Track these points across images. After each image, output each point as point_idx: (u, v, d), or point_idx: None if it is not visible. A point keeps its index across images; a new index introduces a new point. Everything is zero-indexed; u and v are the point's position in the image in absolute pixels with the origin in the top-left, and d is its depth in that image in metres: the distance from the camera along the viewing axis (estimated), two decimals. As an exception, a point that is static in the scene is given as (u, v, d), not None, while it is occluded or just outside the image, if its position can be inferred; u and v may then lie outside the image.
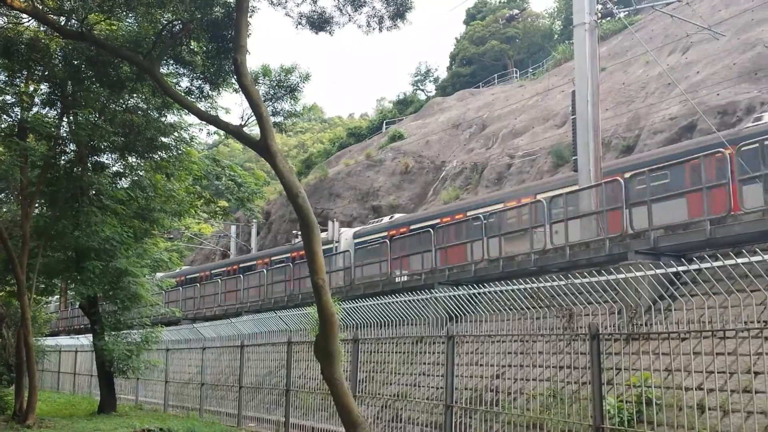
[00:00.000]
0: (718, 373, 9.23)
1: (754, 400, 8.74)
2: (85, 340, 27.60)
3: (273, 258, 36.32)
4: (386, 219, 33.43)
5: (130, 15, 13.10)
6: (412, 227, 27.36)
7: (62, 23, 12.83)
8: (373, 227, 31.88)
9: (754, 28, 30.77)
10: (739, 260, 8.42)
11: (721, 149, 13.57)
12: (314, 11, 12.47)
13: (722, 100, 27.51)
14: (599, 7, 18.90)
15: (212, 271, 42.41)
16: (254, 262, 38.43)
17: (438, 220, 26.73)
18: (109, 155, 17.79)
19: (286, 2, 12.29)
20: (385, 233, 28.88)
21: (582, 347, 10.75)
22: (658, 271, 10.68)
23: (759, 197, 11.60)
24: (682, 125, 28.17)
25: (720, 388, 9.17)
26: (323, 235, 27.05)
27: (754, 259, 8.40)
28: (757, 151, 11.90)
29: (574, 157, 19.22)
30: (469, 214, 24.02)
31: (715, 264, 8.81)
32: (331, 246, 30.47)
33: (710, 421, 8.74)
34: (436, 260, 18.32)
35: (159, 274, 37.61)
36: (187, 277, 43.14)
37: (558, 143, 34.49)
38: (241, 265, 39.32)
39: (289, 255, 34.25)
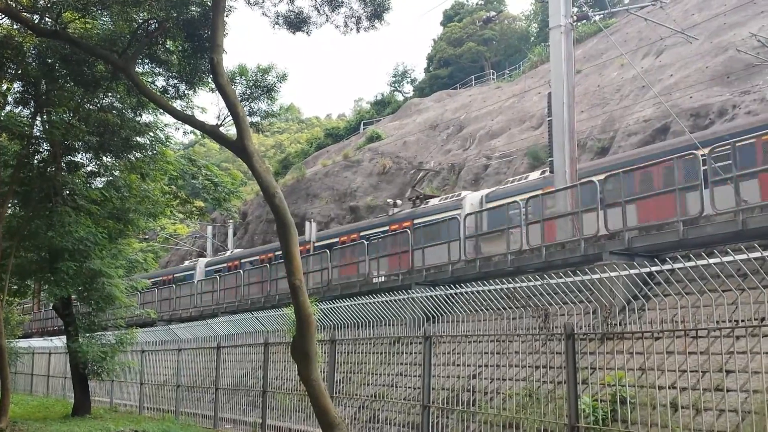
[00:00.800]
0: (690, 371, 9.38)
1: (726, 399, 8.90)
2: (59, 342, 27.23)
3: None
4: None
5: (105, 13, 12.94)
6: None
7: (36, 21, 12.64)
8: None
9: (727, 32, 31.31)
10: (711, 260, 8.57)
11: (693, 151, 13.81)
12: (291, 11, 12.42)
13: (695, 102, 27.94)
14: (575, 10, 19.11)
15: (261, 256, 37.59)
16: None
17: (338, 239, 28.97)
18: (84, 155, 17.56)
19: (263, 2, 12.22)
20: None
21: (557, 347, 10.86)
22: (632, 272, 10.83)
23: (731, 199, 11.82)
24: (655, 127, 28.57)
25: (692, 386, 9.32)
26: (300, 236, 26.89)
27: (725, 259, 8.55)
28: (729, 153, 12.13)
29: (550, 159, 19.41)
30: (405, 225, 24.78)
31: (688, 264, 8.95)
32: (309, 246, 30.42)
33: (683, 419, 8.88)
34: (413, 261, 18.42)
35: (203, 260, 40.67)
36: (242, 260, 38.65)
37: (534, 144, 34.77)
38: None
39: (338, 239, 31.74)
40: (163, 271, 46.73)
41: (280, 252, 28.24)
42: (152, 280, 41.06)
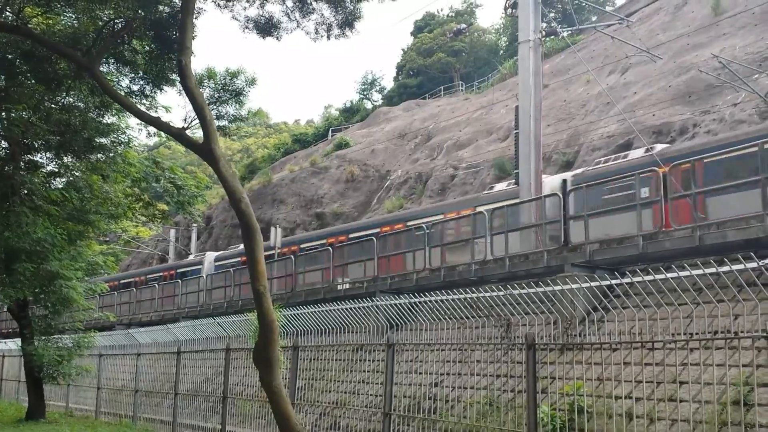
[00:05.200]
0: (646, 382, 9.55)
1: (679, 409, 9.09)
2: (13, 344, 26.53)
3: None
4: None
5: (69, 10, 12.72)
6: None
7: (-4, 15, 12.38)
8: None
9: (690, 53, 32.12)
10: (669, 275, 8.75)
11: (654, 168, 14.12)
12: (262, 16, 12.39)
13: (657, 120, 28.59)
14: (544, 25, 19.44)
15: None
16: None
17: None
18: (44, 154, 17.21)
19: (233, 5, 12.17)
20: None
21: (518, 356, 10.96)
22: (593, 284, 10.99)
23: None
24: (619, 143, 29.12)
25: (647, 396, 9.49)
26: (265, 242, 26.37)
27: (682, 274, 8.74)
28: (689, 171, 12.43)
29: (515, 171, 19.63)
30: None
31: (647, 278, 9.13)
32: (273, 252, 30.22)
33: (638, 428, 9.03)
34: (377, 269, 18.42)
35: (212, 253, 36.14)
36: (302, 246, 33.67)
37: (500, 156, 35.16)
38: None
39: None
40: (163, 266, 43.50)
41: (305, 245, 27.31)
42: (151, 276, 39.01)
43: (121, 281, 41.30)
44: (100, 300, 29.98)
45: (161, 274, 39.84)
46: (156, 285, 32.94)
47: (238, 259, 31.93)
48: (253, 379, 13.23)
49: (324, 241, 27.41)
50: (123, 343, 23.13)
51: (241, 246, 35.23)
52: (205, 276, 30.02)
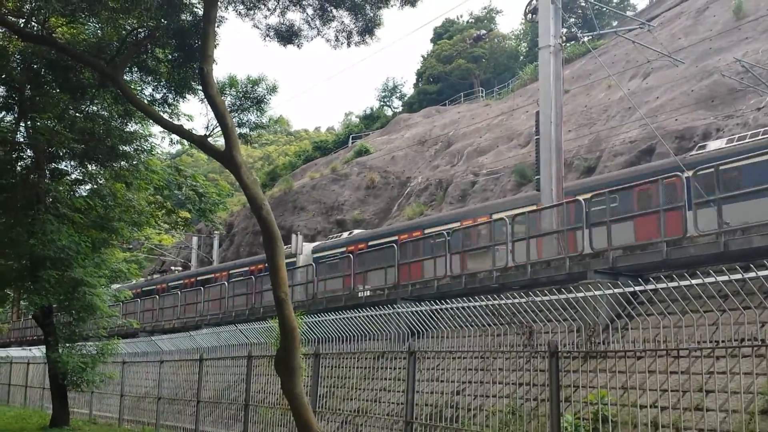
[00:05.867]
0: (671, 391, 9.40)
1: (705, 418, 8.92)
2: (38, 351, 26.84)
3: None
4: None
5: (93, 19, 12.88)
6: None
7: (21, 25, 12.57)
8: None
9: (712, 57, 31.76)
10: (694, 281, 8.61)
11: (678, 173, 13.93)
12: (282, 24, 12.43)
13: (680, 125, 28.27)
14: (564, 30, 19.33)
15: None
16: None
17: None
18: (68, 162, 17.42)
19: (254, 14, 12.23)
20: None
21: (541, 364, 10.85)
22: (616, 291, 10.86)
23: (713, 220, 11.92)
24: (641, 148, 28.85)
25: (673, 406, 9.34)
26: (286, 248, 25.74)
27: (707, 280, 8.60)
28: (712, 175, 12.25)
29: (536, 177, 19.52)
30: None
31: (671, 284, 8.99)
32: (294, 259, 30.26)
33: (664, 438, 8.89)
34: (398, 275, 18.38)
35: (309, 244, 32.65)
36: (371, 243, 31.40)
37: (521, 162, 34.98)
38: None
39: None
40: (247, 261, 38.67)
41: (373, 242, 26.24)
42: (234, 271, 36.32)
43: (201, 277, 39.62)
44: (124, 307, 30.26)
45: (246, 268, 36.10)
46: (250, 278, 29.50)
47: (344, 249, 28.96)
48: (275, 386, 13.24)
49: (395, 237, 26.18)
50: (146, 350, 23.32)
51: (344, 234, 33.80)
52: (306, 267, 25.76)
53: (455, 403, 12.27)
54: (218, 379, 17.92)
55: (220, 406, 16.70)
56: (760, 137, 18.35)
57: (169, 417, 18.67)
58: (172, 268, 50.49)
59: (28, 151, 16.84)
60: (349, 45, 12.38)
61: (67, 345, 17.91)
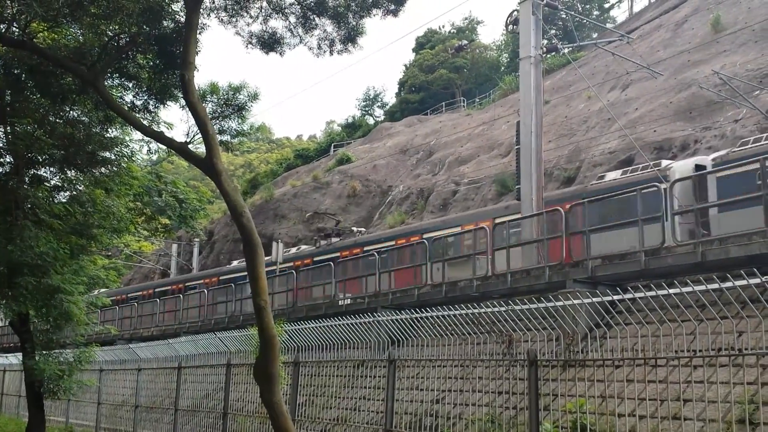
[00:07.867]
0: (649, 400, 9.50)
1: (683, 427, 9.01)
2: (14, 359, 26.44)
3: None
4: None
5: (75, 25, 12.79)
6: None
7: (2, 30, 12.45)
8: None
9: (690, 69, 32.25)
10: (671, 291, 8.71)
11: (656, 183, 14.12)
12: (265, 31, 12.43)
13: (659, 136, 28.64)
14: (545, 42, 19.53)
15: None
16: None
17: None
18: (48, 168, 17.21)
19: (236, 21, 12.23)
20: None
21: (520, 373, 10.90)
22: (595, 300, 10.96)
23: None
24: (620, 159, 29.16)
25: (651, 414, 9.43)
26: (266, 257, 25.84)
27: (685, 289, 8.71)
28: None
29: (517, 186, 19.66)
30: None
31: (649, 294, 9.09)
32: (274, 267, 30.16)
33: (641, 447, 8.97)
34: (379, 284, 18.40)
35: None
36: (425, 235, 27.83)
37: (502, 172, 35.20)
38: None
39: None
40: (294, 254, 33.94)
41: (368, 248, 26.57)
42: (189, 284, 35.81)
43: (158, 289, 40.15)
44: (102, 314, 29.91)
45: (202, 281, 35.60)
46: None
47: (394, 242, 26.01)
48: (254, 394, 13.17)
49: (393, 242, 25.93)
50: (124, 358, 23.07)
51: (293, 250, 33.77)
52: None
53: (435, 412, 12.28)
54: (197, 387, 17.78)
55: (199, 414, 16.56)
56: (649, 170, 19.20)
57: (146, 425, 18.48)
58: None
59: (8, 156, 16.62)
60: (331, 53, 12.41)
61: (44, 352, 17.65)
